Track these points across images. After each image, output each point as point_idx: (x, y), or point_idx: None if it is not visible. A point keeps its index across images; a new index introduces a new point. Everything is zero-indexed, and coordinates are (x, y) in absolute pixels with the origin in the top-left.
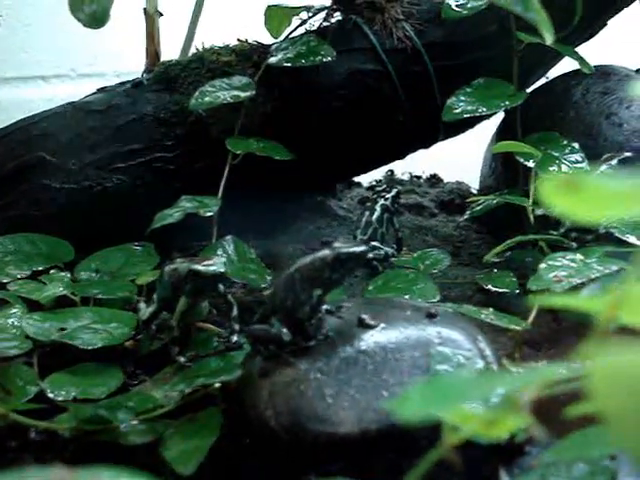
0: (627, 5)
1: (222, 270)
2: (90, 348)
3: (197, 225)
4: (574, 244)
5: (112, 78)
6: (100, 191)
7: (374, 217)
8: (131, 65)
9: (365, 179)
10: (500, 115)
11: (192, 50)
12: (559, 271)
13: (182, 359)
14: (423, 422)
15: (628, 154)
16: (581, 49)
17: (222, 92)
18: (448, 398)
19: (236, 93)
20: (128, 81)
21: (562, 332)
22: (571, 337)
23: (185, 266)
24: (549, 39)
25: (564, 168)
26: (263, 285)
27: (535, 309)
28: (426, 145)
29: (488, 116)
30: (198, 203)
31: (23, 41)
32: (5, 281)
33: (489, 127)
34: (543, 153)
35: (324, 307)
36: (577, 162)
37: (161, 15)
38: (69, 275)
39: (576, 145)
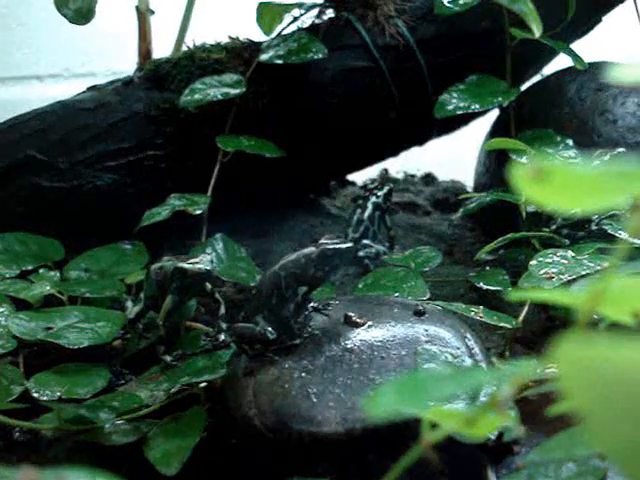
0: (621, 2)
1: (208, 268)
2: (76, 347)
3: (189, 224)
4: (566, 241)
5: (106, 77)
6: (90, 190)
7: (365, 215)
8: (125, 64)
9: (359, 178)
10: (495, 113)
11: (184, 48)
12: (550, 268)
13: (168, 358)
14: (407, 420)
15: (621, 150)
16: (576, 46)
17: (212, 89)
18: (422, 395)
19: (226, 90)
20: (119, 79)
21: (554, 330)
22: (563, 334)
23: (171, 264)
24: (537, 32)
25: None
26: (253, 284)
27: (526, 307)
28: (420, 142)
29: (482, 113)
30: (187, 201)
31: (18, 41)
32: None
33: (484, 125)
34: (537, 150)
35: (310, 304)
36: (571, 158)
37: (153, 13)
38: (58, 274)
39: (570, 141)
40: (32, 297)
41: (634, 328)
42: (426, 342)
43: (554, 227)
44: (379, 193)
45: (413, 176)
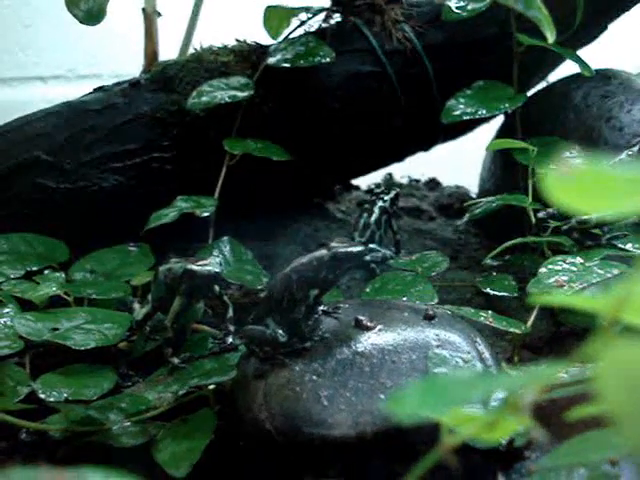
0: (627, 9)
1: (217, 270)
2: (83, 349)
3: (194, 226)
4: (574, 248)
5: (111, 79)
6: (96, 191)
7: (372, 219)
8: (130, 66)
9: (363, 182)
10: (499, 118)
11: (190, 50)
12: (560, 275)
13: (176, 360)
14: (419, 423)
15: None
16: (581, 52)
17: (220, 92)
18: (446, 399)
19: (234, 93)
20: (125, 81)
21: (561, 336)
22: (570, 341)
23: (180, 266)
24: (550, 37)
25: None
26: (260, 287)
27: (534, 313)
28: (425, 148)
29: (488, 119)
30: (194, 203)
31: (21, 42)
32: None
33: (487, 130)
34: (542, 152)
35: (320, 308)
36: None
37: (159, 15)
38: (63, 275)
39: (577, 148)
40: (38, 298)
41: None
42: (437, 346)
43: (566, 227)
44: (386, 197)
45: (417, 181)
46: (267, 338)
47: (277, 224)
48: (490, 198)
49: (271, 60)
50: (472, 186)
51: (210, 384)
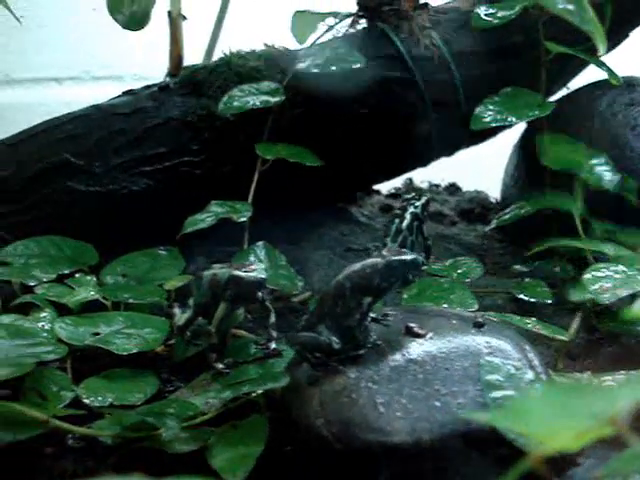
0: None
1: (263, 276)
2: (125, 354)
3: (221, 230)
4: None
5: (127, 81)
6: (126, 195)
7: (404, 225)
8: (146, 68)
9: (383, 187)
10: (520, 125)
11: (215, 54)
12: (604, 282)
13: (220, 366)
14: (472, 430)
15: None
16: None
17: (251, 97)
18: (571, 412)
19: (265, 98)
20: (154, 84)
21: (597, 343)
22: (606, 348)
23: (224, 272)
24: (602, 50)
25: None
26: (295, 292)
27: (577, 319)
28: (449, 153)
29: (510, 125)
30: (229, 208)
31: (37, 43)
32: (32, 284)
33: (506, 136)
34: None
35: (369, 315)
36: (606, 172)
37: (185, 18)
38: (95, 279)
39: (604, 157)
40: (75, 302)
41: None
42: (488, 354)
43: None
44: (417, 203)
45: (437, 186)
46: (321, 345)
47: (302, 228)
48: (519, 203)
49: (301, 65)
50: (491, 190)
51: (264, 390)
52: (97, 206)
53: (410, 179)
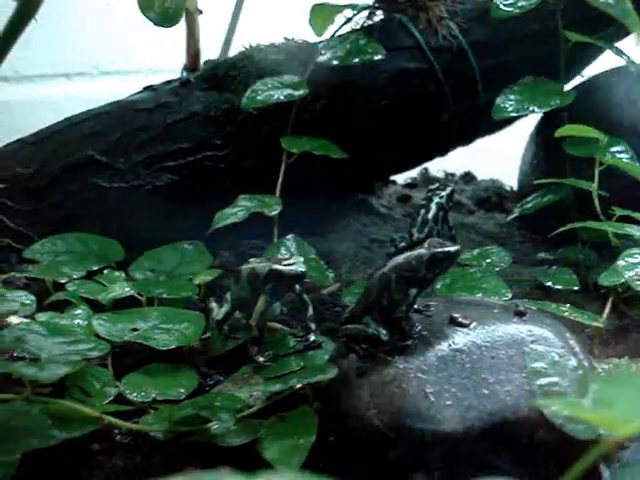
0: None
1: (303, 270)
2: (165, 349)
3: (245, 224)
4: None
5: (136, 76)
6: (150, 190)
7: (430, 215)
8: (158, 63)
9: (400, 177)
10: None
11: (232, 48)
12: (639, 269)
13: (261, 359)
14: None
15: None
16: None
17: (275, 91)
18: None
19: (289, 92)
20: (175, 79)
21: (627, 328)
22: (636, 333)
23: (264, 266)
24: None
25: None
26: (327, 284)
27: (609, 305)
28: (467, 142)
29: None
30: (258, 202)
31: (45, 38)
32: (62, 281)
33: (521, 125)
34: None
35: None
36: (627, 159)
37: (201, 13)
38: (123, 275)
39: (624, 144)
40: (109, 299)
41: None
42: (531, 342)
43: None
44: (442, 194)
45: (453, 175)
46: (369, 336)
47: (327, 220)
48: (541, 192)
49: (322, 58)
50: (506, 179)
51: (314, 382)
52: (121, 202)
53: (426, 169)
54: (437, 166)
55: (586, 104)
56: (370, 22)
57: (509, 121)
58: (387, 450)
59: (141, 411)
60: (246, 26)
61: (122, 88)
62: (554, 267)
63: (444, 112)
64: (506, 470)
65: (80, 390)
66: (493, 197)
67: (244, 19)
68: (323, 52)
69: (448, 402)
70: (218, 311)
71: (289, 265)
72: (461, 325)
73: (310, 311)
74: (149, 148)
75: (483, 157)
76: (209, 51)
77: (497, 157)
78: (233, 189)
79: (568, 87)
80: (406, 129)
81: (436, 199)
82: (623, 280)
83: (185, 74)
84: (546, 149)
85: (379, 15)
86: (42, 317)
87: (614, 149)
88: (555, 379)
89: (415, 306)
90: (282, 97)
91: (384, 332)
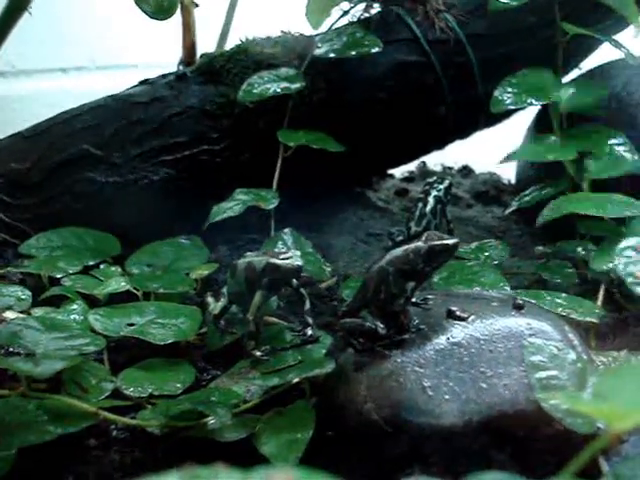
0: None
1: (300, 264)
2: (162, 343)
3: (242, 219)
4: None
5: (133, 70)
6: (146, 184)
7: (428, 209)
8: (155, 56)
9: (397, 170)
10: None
11: (228, 41)
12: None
13: (258, 353)
14: (521, 411)
15: None
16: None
17: (271, 84)
18: None
19: (286, 85)
20: (171, 73)
21: (626, 322)
22: (634, 327)
23: (260, 260)
24: (637, 34)
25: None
26: (324, 278)
27: (600, 299)
28: (465, 136)
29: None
30: (255, 196)
31: (42, 33)
32: (58, 276)
33: (518, 118)
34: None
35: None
36: (625, 151)
37: (197, 6)
38: (120, 269)
39: (623, 137)
40: (105, 294)
41: None
42: (530, 335)
43: None
44: (440, 187)
45: (451, 168)
46: (367, 330)
47: (324, 214)
48: (539, 185)
49: (319, 51)
50: (504, 173)
51: (312, 376)
52: (117, 196)
53: (424, 162)
54: (435, 160)
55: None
56: (367, 15)
57: (507, 114)
58: (385, 444)
59: (138, 406)
60: (242, 19)
61: (119, 83)
62: (552, 260)
63: (442, 105)
64: (505, 464)
65: (76, 385)
66: (491, 190)
67: (240, 12)
68: (320, 45)
69: (446, 396)
70: (214, 305)
71: (286, 259)
72: (459, 318)
73: (307, 305)
74: (145, 142)
75: (481, 150)
76: (205, 44)
77: (495, 150)
78: (230, 183)
79: (566, 80)
80: (403, 122)
81: (434, 192)
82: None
83: (181, 68)
84: None
85: (376, 8)
86: (38, 312)
87: (612, 141)
88: (554, 372)
89: (413, 299)
90: (279, 90)
91: (381, 326)
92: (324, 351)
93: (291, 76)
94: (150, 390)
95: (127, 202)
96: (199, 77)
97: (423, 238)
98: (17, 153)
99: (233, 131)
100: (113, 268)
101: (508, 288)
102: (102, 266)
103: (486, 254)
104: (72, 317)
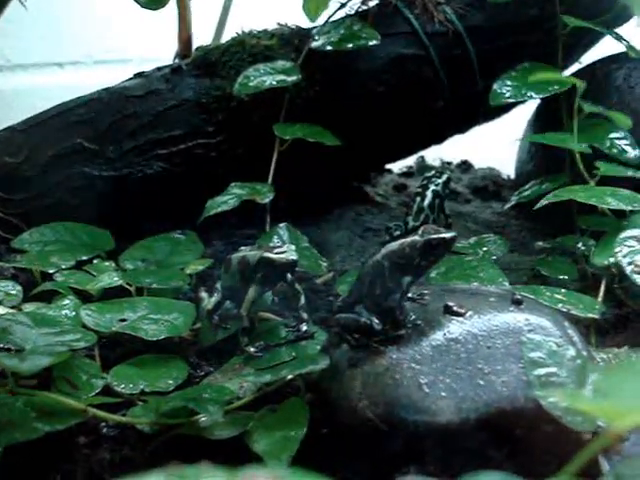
0: None
1: (295, 258)
2: (155, 339)
3: (238, 213)
4: None
5: (129, 64)
6: (140, 178)
7: (425, 203)
8: (151, 50)
9: (396, 165)
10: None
11: (224, 34)
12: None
13: (252, 349)
14: (518, 409)
15: None
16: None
17: (267, 76)
18: None
19: (282, 77)
20: (166, 66)
21: (627, 318)
22: (636, 323)
23: (254, 254)
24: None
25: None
26: (320, 273)
27: (601, 295)
28: (463, 130)
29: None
30: (250, 190)
31: (38, 28)
32: (51, 271)
33: (518, 112)
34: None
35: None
36: (626, 145)
37: None
38: (113, 265)
39: (624, 131)
40: (98, 289)
41: None
42: (529, 331)
43: None
44: (438, 181)
45: (450, 163)
46: (362, 326)
47: (319, 209)
48: (539, 179)
49: (315, 43)
50: (503, 168)
51: (305, 372)
52: (112, 191)
53: (422, 157)
54: (434, 154)
55: (585, 90)
56: (365, 7)
57: (506, 108)
58: (380, 442)
59: (129, 403)
60: (239, 11)
61: (115, 77)
62: (552, 256)
63: (440, 99)
64: (502, 463)
65: (67, 382)
66: (490, 186)
67: (237, 4)
68: (317, 38)
69: (443, 393)
70: (208, 301)
71: (280, 253)
72: (456, 314)
73: (302, 300)
74: (140, 136)
75: (480, 145)
76: (202, 37)
77: (494, 145)
78: (225, 177)
79: (566, 73)
80: (401, 116)
81: (432, 187)
82: (612, 259)
83: (177, 61)
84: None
85: (374, 0)
86: (29, 307)
87: (613, 135)
88: (553, 369)
89: (409, 295)
90: (275, 83)
91: (377, 321)
92: (319, 347)
93: (287, 69)
94: (141, 387)
95: (121, 196)
96: (194, 70)
97: (420, 232)
98: (10, 147)
99: (229, 124)
100: (107, 263)
101: (507, 283)
102: (95, 261)
103: (485, 249)
104: (63, 312)
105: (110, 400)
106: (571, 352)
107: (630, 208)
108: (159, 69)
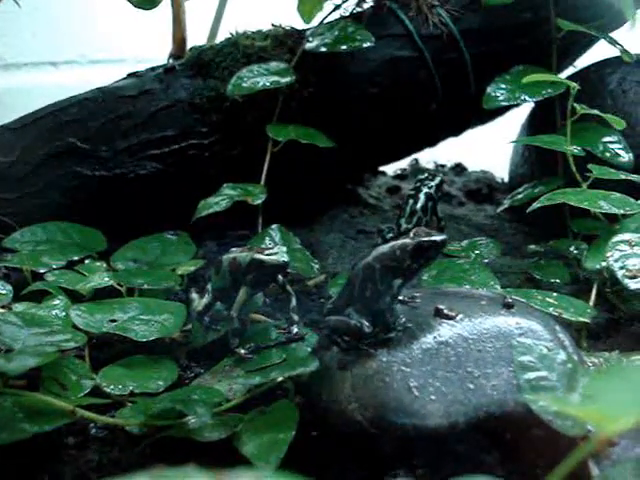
0: None
1: (286, 260)
2: (144, 340)
3: (230, 214)
4: None
5: (122, 64)
6: (133, 179)
7: (418, 206)
8: (145, 50)
9: (389, 168)
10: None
11: (219, 35)
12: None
13: (242, 351)
14: (508, 413)
15: None
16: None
17: (261, 77)
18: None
19: (276, 79)
20: (159, 66)
21: (618, 323)
22: (628, 327)
23: (245, 256)
24: (632, 26)
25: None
26: (312, 275)
27: (592, 299)
28: (457, 133)
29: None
30: (242, 191)
31: (33, 27)
32: (42, 271)
33: (512, 115)
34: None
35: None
36: (619, 149)
37: None
38: (105, 265)
39: (617, 134)
40: (88, 289)
41: None
42: (519, 335)
43: None
44: (431, 184)
45: (443, 166)
46: (352, 328)
47: (314, 211)
48: (532, 183)
49: (310, 45)
50: (497, 171)
51: (295, 375)
52: (104, 191)
53: (416, 160)
54: (427, 157)
55: (579, 94)
56: (359, 9)
57: (500, 111)
58: (369, 445)
59: (119, 404)
60: (233, 12)
61: (110, 76)
62: (544, 259)
63: (434, 101)
64: (492, 467)
65: (56, 383)
66: (484, 189)
67: (231, 5)
68: (311, 39)
69: (432, 396)
70: (199, 302)
71: (272, 255)
72: (447, 317)
73: (293, 302)
74: (133, 136)
75: (474, 148)
76: (196, 38)
77: (488, 148)
78: (218, 178)
79: (561, 77)
80: (395, 118)
81: (425, 189)
82: (605, 263)
83: (171, 61)
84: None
85: (368, 2)
86: (19, 307)
87: (606, 139)
88: (543, 373)
89: (400, 297)
90: (268, 84)
91: (367, 324)
92: (309, 349)
93: (281, 70)
94: (131, 388)
95: (114, 196)
96: (188, 70)
97: (411, 234)
98: (3, 146)
99: (222, 125)
100: (98, 263)
101: (498, 287)
102: (87, 261)
103: (477, 252)
104: (53, 313)
105: (99, 401)
106: (562, 356)
107: (622, 212)
108: (153, 69)
